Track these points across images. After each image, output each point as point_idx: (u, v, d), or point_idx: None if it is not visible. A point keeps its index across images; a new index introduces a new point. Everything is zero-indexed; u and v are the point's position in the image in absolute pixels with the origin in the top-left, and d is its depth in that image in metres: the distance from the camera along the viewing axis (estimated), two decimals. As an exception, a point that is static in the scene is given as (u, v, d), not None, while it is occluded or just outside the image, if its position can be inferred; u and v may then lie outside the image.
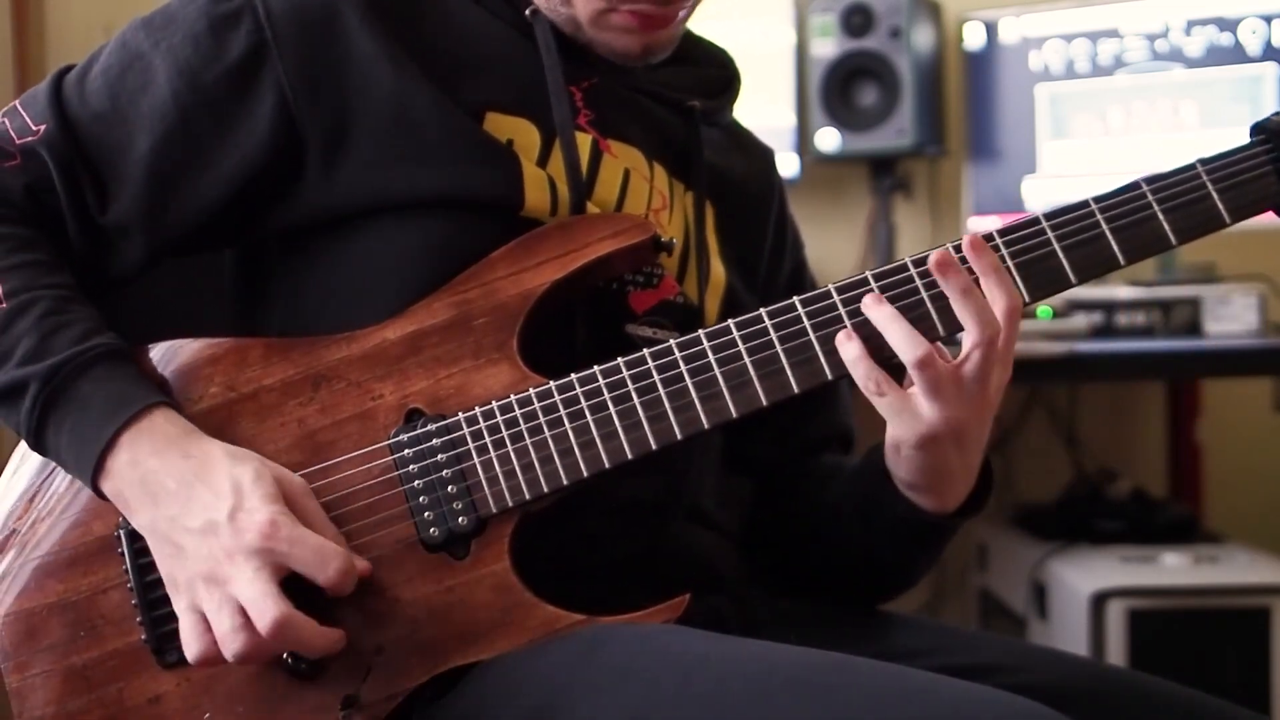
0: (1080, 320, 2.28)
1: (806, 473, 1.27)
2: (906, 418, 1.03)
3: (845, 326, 1.04)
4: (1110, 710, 1.06)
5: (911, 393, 1.03)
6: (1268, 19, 2.43)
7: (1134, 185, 1.06)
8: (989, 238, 1.05)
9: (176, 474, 1.01)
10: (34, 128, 1.12)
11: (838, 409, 1.31)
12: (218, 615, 0.99)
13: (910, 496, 1.10)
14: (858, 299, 1.04)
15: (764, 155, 1.34)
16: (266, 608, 0.97)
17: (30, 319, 1.05)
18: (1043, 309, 2.29)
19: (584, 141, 1.15)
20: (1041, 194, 2.57)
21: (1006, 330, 1.02)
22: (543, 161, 1.13)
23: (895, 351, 1.02)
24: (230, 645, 0.98)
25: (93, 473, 1.03)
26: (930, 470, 1.07)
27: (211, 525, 0.99)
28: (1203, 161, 1.05)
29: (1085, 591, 2.12)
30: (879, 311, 1.03)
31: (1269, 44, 2.42)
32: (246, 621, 0.98)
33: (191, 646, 1.00)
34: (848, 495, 1.18)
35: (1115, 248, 1.04)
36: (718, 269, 1.22)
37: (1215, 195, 1.05)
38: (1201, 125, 2.47)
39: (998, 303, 1.01)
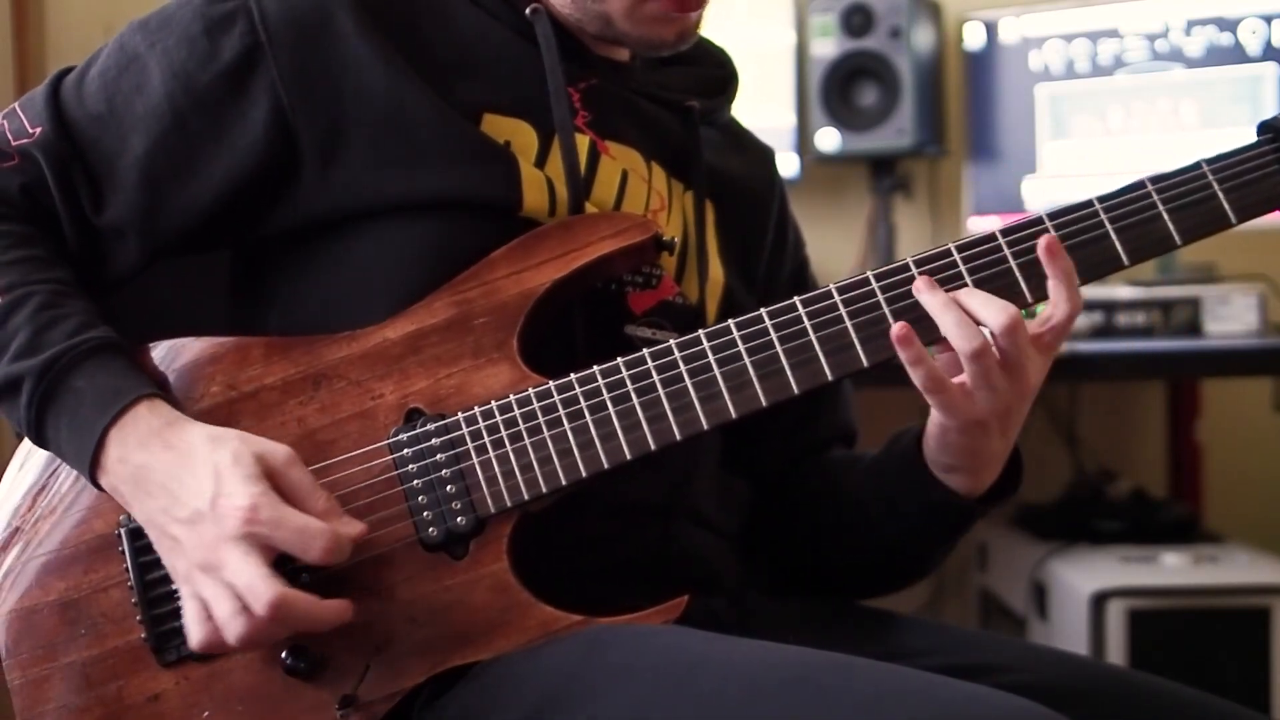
0: (1080, 320, 2.27)
1: (815, 470, 1.27)
2: (958, 408, 1.03)
3: (890, 323, 1.02)
4: (1110, 710, 1.06)
5: (962, 383, 1.02)
6: (1268, 19, 2.43)
7: (1139, 184, 1.05)
8: (992, 237, 1.05)
9: (162, 467, 1.01)
10: (30, 130, 1.12)
11: (840, 406, 1.31)
12: (216, 602, 0.98)
13: (945, 480, 1.10)
14: (859, 299, 1.04)
15: (764, 155, 1.34)
16: (260, 590, 0.96)
17: (25, 313, 1.05)
18: (1043, 307, 2.28)
19: (581, 142, 1.15)
20: (1041, 194, 2.57)
21: (1007, 340, 1.01)
22: (540, 162, 1.13)
23: (948, 339, 1.01)
24: (231, 630, 0.98)
25: (90, 469, 1.03)
26: (972, 453, 1.08)
27: (197, 515, 0.99)
28: (1208, 161, 1.05)
29: (1085, 591, 2.12)
30: (933, 298, 1.02)
31: (1269, 44, 2.42)
32: (245, 606, 0.97)
33: (194, 634, 1.00)
34: (871, 484, 1.18)
35: (1119, 248, 1.04)
36: (716, 269, 1.22)
37: (1221, 195, 1.04)
38: (1201, 125, 2.47)
39: (993, 317, 1.00)
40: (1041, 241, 1.02)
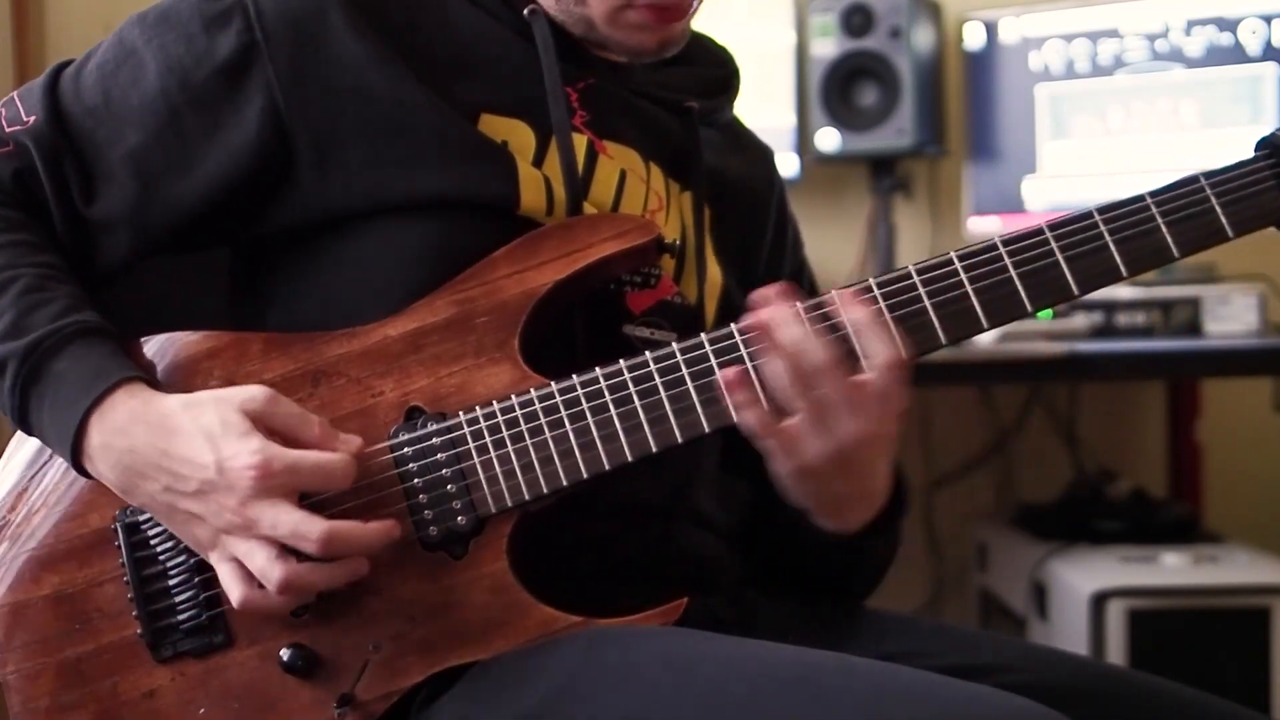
0: (1080, 320, 2.28)
1: None
2: (788, 454, 1.02)
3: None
4: (1110, 710, 1.06)
5: (791, 427, 1.00)
6: (1268, 19, 2.42)
7: (1138, 198, 1.06)
8: (992, 246, 1.05)
9: (149, 447, 1.01)
10: (25, 119, 1.12)
11: None
12: (251, 556, 0.98)
13: (812, 518, 1.10)
14: (859, 305, 1.04)
15: (763, 154, 1.34)
16: (308, 530, 0.97)
17: (10, 296, 1.05)
18: (1044, 315, 2.28)
19: (579, 142, 1.14)
20: (1041, 194, 2.57)
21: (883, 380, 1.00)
22: (538, 162, 1.13)
23: (779, 385, 0.99)
24: (271, 576, 0.97)
25: (73, 458, 1.03)
26: (817, 496, 1.07)
27: (207, 485, 0.99)
28: (1206, 175, 1.06)
29: (1085, 591, 2.12)
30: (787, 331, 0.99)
31: (1269, 44, 2.42)
32: (281, 551, 0.97)
33: (234, 591, 1.00)
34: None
35: (1118, 259, 1.05)
36: (714, 269, 1.22)
37: (1219, 209, 1.05)
38: (1201, 125, 2.46)
39: (878, 353, 1.00)
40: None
